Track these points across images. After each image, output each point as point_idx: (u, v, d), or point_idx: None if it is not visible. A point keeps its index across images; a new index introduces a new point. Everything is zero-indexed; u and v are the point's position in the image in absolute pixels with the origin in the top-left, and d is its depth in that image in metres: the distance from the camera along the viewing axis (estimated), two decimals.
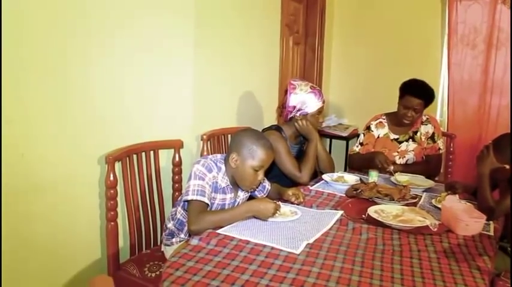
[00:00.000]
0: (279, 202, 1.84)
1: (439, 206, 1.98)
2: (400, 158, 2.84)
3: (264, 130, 2.50)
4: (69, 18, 1.80)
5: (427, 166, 2.82)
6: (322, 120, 2.50)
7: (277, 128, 2.47)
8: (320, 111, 2.47)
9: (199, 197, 1.74)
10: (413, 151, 2.84)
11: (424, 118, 2.88)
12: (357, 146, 2.94)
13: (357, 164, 2.88)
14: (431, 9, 3.89)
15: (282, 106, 2.50)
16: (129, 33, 2.08)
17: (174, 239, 1.96)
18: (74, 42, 1.84)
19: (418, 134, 2.85)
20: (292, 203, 2.01)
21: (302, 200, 2.01)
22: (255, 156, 1.81)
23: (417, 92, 2.70)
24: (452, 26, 3.69)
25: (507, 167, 1.99)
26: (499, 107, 3.67)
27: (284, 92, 2.51)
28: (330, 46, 4.32)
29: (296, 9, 3.77)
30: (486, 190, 2.00)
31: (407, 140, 2.85)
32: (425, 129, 2.86)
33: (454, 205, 1.87)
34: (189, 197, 1.74)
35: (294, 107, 2.42)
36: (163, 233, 2.02)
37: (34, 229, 1.80)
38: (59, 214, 1.89)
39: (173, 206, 2.00)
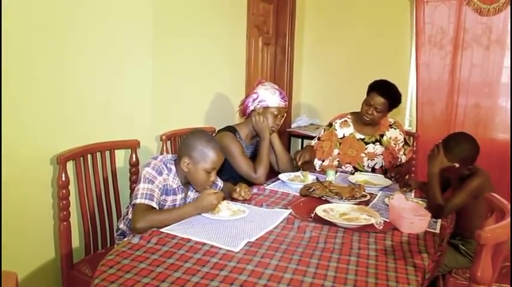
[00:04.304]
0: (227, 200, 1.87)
1: None
2: (368, 160, 2.82)
3: (219, 131, 2.50)
4: (20, 15, 1.80)
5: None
6: (280, 124, 2.49)
7: (231, 130, 2.46)
8: (281, 113, 2.46)
9: (147, 201, 1.75)
10: (381, 155, 2.82)
11: (392, 121, 2.87)
12: (314, 141, 2.89)
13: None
14: (401, 10, 3.93)
15: (245, 97, 2.53)
16: (83, 32, 2.08)
17: (125, 239, 1.96)
18: (26, 41, 1.84)
19: (385, 138, 2.82)
20: (242, 201, 2.03)
21: (243, 194, 2.04)
22: (206, 159, 1.82)
23: (382, 91, 2.66)
24: (420, 26, 3.73)
25: (457, 165, 2.03)
26: (466, 107, 3.72)
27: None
28: (301, 47, 4.34)
29: (266, 10, 3.79)
30: (435, 188, 2.03)
31: (374, 143, 2.81)
32: (394, 134, 2.84)
33: (402, 203, 1.90)
34: (138, 201, 1.75)
35: (258, 96, 2.43)
36: (116, 234, 2.03)
37: None
38: (10, 214, 1.88)
39: (126, 206, 2.01)
